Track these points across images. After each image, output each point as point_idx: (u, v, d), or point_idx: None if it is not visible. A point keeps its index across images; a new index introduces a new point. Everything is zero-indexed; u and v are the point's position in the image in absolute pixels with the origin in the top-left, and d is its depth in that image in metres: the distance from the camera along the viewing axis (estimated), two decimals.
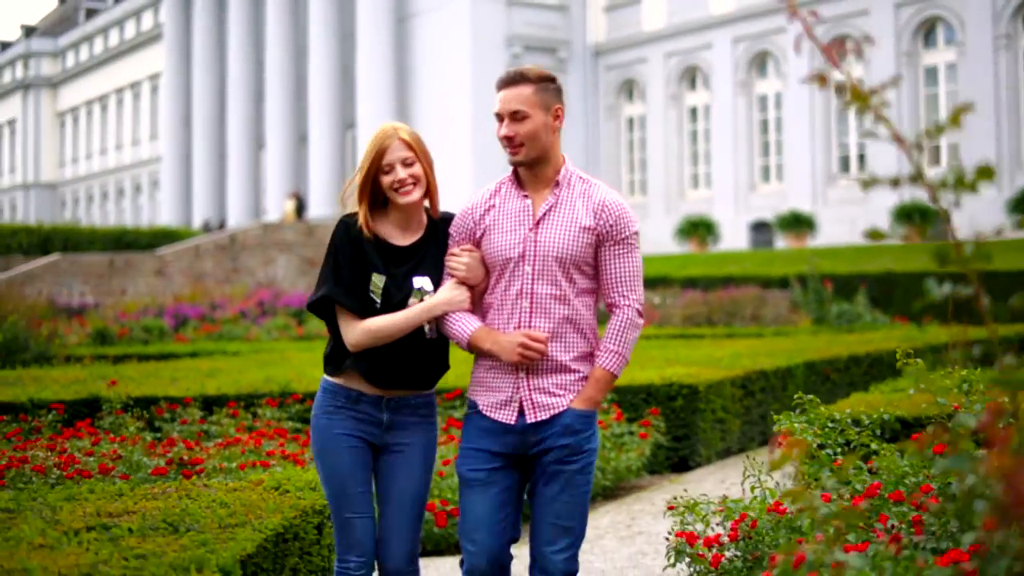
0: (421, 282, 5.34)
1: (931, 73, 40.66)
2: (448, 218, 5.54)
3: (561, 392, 5.20)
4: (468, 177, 49.88)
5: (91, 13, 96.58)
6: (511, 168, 5.38)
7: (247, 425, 10.18)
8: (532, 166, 5.26)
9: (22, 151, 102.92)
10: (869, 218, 38.91)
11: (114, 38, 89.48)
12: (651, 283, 28.02)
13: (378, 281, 5.30)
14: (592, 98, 53.18)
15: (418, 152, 5.39)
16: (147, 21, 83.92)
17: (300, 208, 54.62)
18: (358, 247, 5.34)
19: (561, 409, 5.18)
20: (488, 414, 5.24)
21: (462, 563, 5.28)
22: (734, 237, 44.85)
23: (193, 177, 70.25)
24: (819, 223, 40.95)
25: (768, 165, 46.58)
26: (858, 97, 2.77)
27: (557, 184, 5.27)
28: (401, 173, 5.32)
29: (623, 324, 5.24)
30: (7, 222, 74.03)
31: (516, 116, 5.18)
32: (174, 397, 10.70)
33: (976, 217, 31.00)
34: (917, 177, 2.61)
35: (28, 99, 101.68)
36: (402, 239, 5.44)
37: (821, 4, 41.95)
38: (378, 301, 5.29)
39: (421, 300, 5.29)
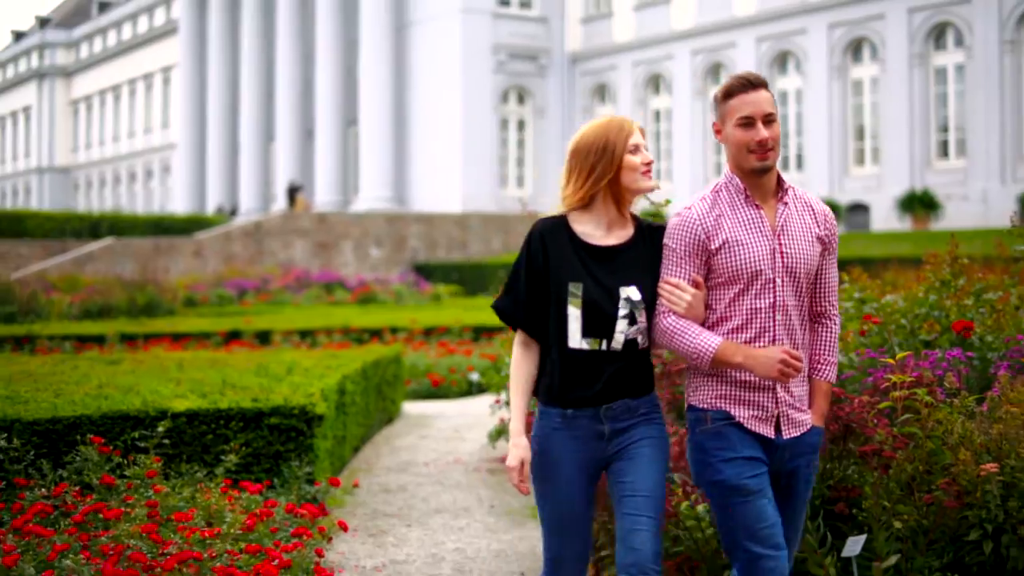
0: (628, 292, 4.97)
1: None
2: (652, 225, 5.19)
3: (804, 408, 5.04)
4: (458, 171, 55.73)
5: (104, 6, 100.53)
6: (737, 176, 5.05)
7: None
8: (766, 174, 4.98)
9: (37, 137, 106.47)
10: None
11: (127, 31, 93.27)
12: None
13: (575, 289, 4.95)
14: (569, 100, 58.67)
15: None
16: (160, 17, 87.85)
17: (292, 193, 58.99)
18: (556, 251, 5.02)
19: (809, 426, 5.04)
20: (750, 427, 4.94)
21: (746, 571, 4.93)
22: None
23: (207, 165, 74.33)
24: None
25: (720, 162, 52.46)
26: None
27: (785, 192, 5.06)
28: (647, 155, 5.06)
29: (835, 334, 5.19)
30: (61, 209, 79.27)
31: (769, 119, 4.93)
32: (286, 329, 18.34)
33: None
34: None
35: (43, 87, 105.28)
36: (604, 239, 5.07)
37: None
38: (578, 310, 4.94)
39: (630, 312, 4.94)
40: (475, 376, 18.42)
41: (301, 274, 38.72)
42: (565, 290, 4.96)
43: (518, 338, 5.13)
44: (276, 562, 5.75)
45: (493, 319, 22.19)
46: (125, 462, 7.46)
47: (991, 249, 12.07)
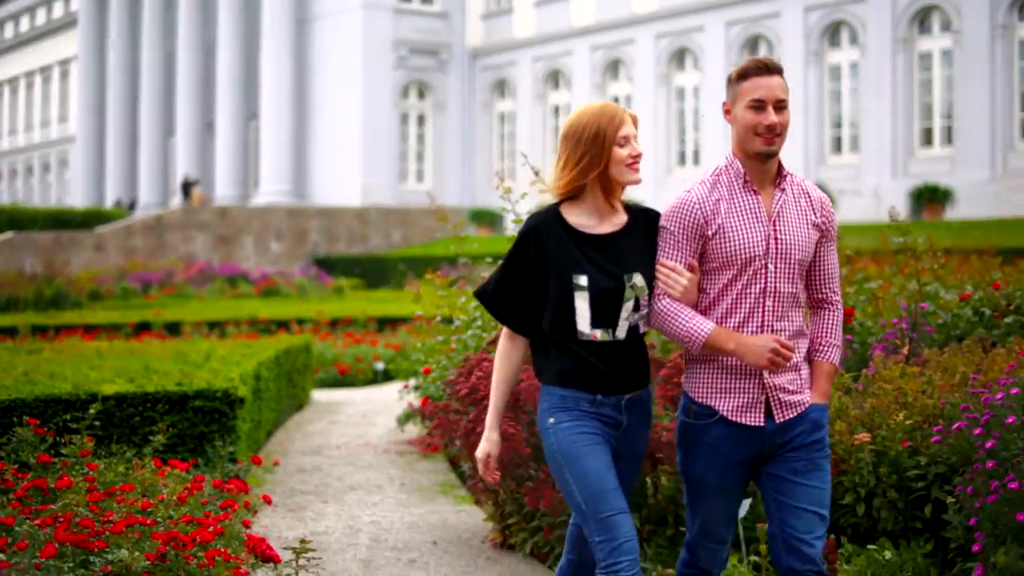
0: (634, 279, 4.94)
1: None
2: (644, 209, 5.16)
3: (798, 388, 5.01)
4: (358, 165, 55.92)
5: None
6: (742, 160, 5.04)
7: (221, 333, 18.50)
8: (769, 160, 4.99)
9: None
10: None
11: (24, 24, 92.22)
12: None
13: (580, 280, 4.89)
14: (469, 95, 59.05)
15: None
16: (58, 9, 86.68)
17: (187, 188, 59.36)
18: (553, 245, 4.95)
19: (807, 405, 5.01)
20: (734, 419, 4.97)
21: (692, 562, 5.28)
22: None
23: (106, 159, 73.72)
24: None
25: None
26: None
27: (784, 178, 5.08)
28: (637, 147, 4.96)
29: (839, 319, 5.20)
30: None
31: (780, 105, 4.94)
32: (195, 320, 18.71)
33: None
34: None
35: None
36: (599, 227, 5.01)
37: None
38: (586, 301, 4.88)
39: (636, 299, 4.93)
40: (380, 365, 18.97)
41: (204, 267, 39.08)
42: (569, 281, 4.91)
43: (505, 330, 5.12)
44: (211, 529, 6.21)
45: (397, 310, 22.74)
46: (61, 441, 7.87)
47: (880, 243, 12.72)
